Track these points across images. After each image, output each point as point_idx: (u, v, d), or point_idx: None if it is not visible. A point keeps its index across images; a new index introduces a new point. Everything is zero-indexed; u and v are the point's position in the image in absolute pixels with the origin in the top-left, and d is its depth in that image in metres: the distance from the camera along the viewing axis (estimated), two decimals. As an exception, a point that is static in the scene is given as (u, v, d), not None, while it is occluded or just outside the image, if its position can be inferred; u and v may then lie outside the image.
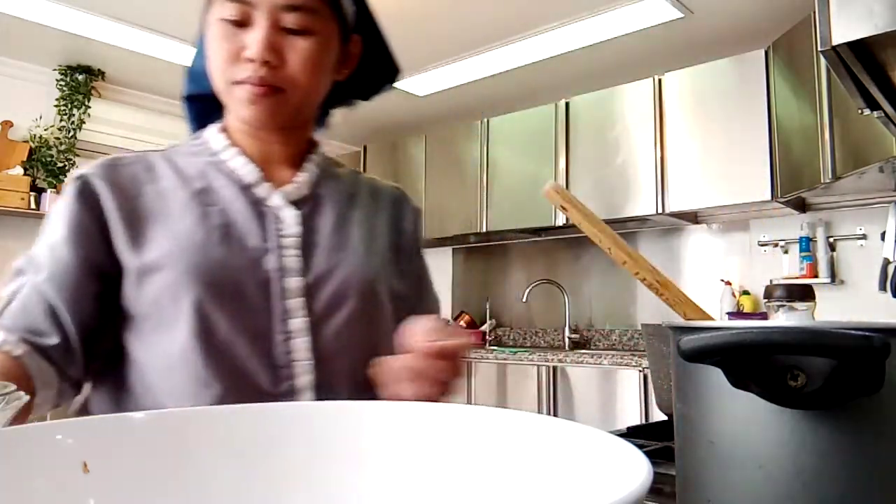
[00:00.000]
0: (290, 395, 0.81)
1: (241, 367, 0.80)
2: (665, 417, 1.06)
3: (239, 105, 0.83)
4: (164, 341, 0.80)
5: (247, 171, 0.88)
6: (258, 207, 0.86)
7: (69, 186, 0.84)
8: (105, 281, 0.82)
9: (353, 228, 0.92)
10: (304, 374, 0.82)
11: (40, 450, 0.37)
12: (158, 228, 0.82)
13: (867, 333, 0.37)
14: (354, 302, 0.87)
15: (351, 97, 1.05)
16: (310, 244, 0.87)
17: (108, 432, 0.40)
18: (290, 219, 0.87)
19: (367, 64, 0.97)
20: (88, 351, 0.81)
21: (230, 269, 0.81)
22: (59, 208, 0.84)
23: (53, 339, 0.78)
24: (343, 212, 0.93)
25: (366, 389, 0.88)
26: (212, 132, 0.92)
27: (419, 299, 1.01)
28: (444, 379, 0.76)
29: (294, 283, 0.83)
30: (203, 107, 0.97)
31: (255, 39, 0.80)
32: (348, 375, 0.86)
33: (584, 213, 0.68)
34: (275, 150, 0.91)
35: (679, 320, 0.61)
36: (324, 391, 0.83)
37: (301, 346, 0.82)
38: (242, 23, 0.81)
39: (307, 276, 0.85)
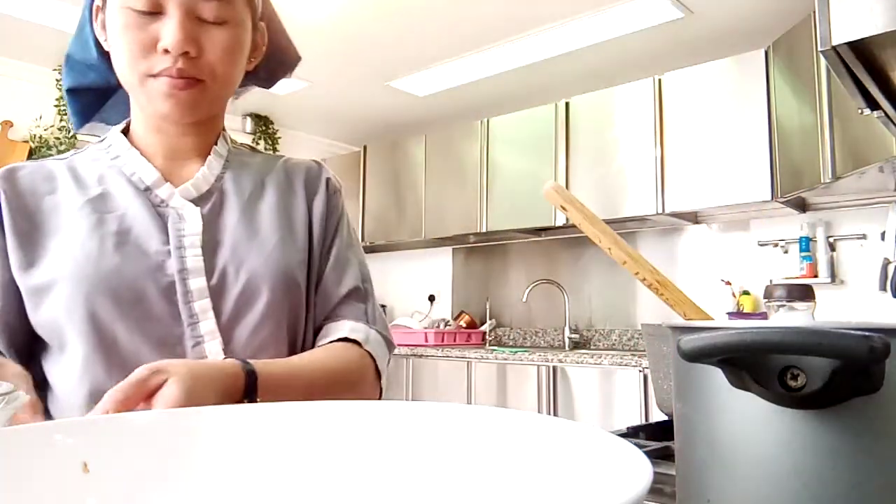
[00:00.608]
0: (195, 341, 0.78)
1: (148, 303, 0.77)
2: (665, 417, 1.06)
3: (156, 99, 0.79)
4: (66, 359, 0.77)
5: (146, 172, 0.84)
6: (159, 209, 0.82)
7: None
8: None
9: (262, 218, 0.88)
10: (215, 354, 0.79)
11: (40, 450, 0.37)
12: (50, 244, 0.79)
13: (867, 333, 0.37)
14: (267, 296, 0.83)
15: (252, 84, 1.00)
16: (213, 242, 0.83)
17: (108, 432, 0.40)
18: (191, 217, 0.83)
19: (270, 51, 0.94)
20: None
21: (127, 277, 0.77)
22: None
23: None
24: (250, 202, 0.89)
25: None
26: (114, 134, 0.88)
27: (335, 281, 0.93)
28: None
29: (198, 284, 0.80)
30: (86, 100, 0.93)
31: (170, 30, 0.75)
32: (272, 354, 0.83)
33: (584, 213, 0.68)
34: (184, 143, 0.87)
35: (679, 320, 0.61)
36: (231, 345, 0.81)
37: (213, 350, 0.79)
38: (152, 12, 0.76)
39: (212, 276, 0.81)
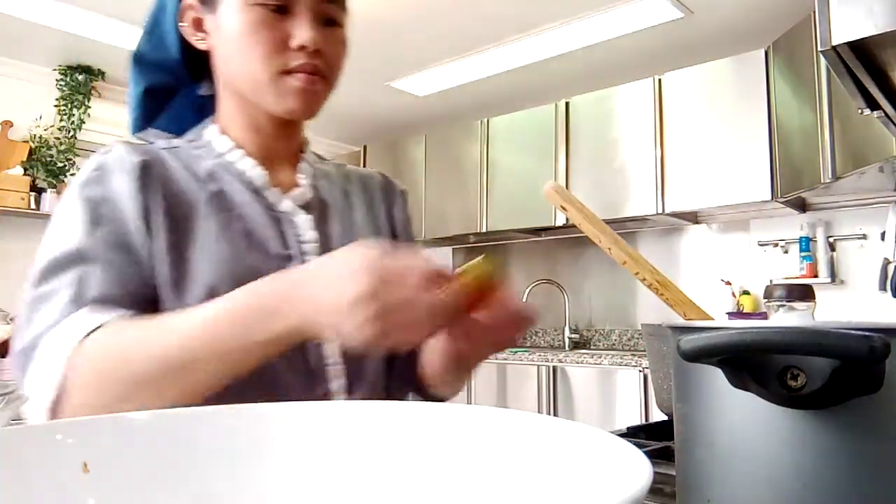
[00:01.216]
0: (324, 399, 0.80)
1: (278, 377, 0.78)
2: (665, 417, 1.06)
3: (287, 94, 0.80)
4: None
5: (255, 173, 0.85)
6: (272, 213, 0.84)
7: (116, 166, 0.78)
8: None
9: (357, 229, 0.92)
10: (336, 378, 0.81)
11: (40, 450, 0.37)
12: (187, 233, 0.78)
13: (867, 333, 0.37)
14: None
15: None
16: (324, 250, 0.85)
17: (108, 432, 0.40)
18: (304, 224, 0.85)
19: None
20: None
21: (259, 277, 0.79)
22: (100, 178, 0.77)
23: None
24: (346, 213, 0.92)
25: (393, 389, 0.88)
26: (212, 132, 0.88)
27: None
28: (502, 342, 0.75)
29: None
30: (153, 103, 0.92)
31: (305, 28, 0.78)
32: (376, 376, 0.86)
33: (584, 213, 0.68)
34: (276, 147, 0.88)
35: (679, 320, 0.61)
36: (355, 395, 0.82)
37: (332, 351, 0.81)
38: (284, 10, 0.79)
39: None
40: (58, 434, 0.38)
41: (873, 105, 1.23)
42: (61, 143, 3.88)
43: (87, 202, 0.76)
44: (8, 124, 3.77)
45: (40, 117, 3.86)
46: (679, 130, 3.35)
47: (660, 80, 3.43)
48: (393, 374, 0.91)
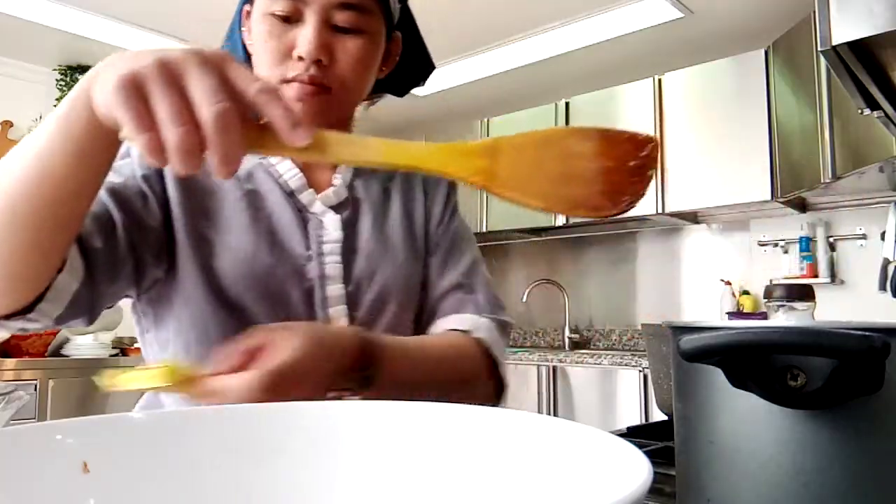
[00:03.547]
0: (335, 399, 0.80)
1: (283, 296, 0.80)
2: (665, 417, 1.06)
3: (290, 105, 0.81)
4: (186, 337, 0.79)
5: (292, 176, 0.86)
6: (302, 214, 0.85)
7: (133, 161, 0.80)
8: (150, 231, 0.77)
9: (391, 228, 0.91)
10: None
11: (40, 450, 0.37)
12: (211, 223, 0.81)
13: (867, 333, 0.37)
14: (395, 307, 0.86)
15: (385, 91, 1.02)
16: (350, 250, 0.86)
17: (108, 432, 0.40)
18: (332, 224, 0.86)
19: (404, 60, 0.96)
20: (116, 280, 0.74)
21: (277, 278, 0.80)
22: (126, 153, 0.79)
23: (96, 243, 0.70)
24: (380, 211, 0.92)
25: (411, 393, 0.87)
26: None
27: (438, 276, 0.94)
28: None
29: (335, 290, 0.83)
30: None
31: (305, 37, 0.78)
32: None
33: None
34: None
35: (679, 320, 0.61)
36: (370, 398, 0.82)
37: (334, 293, 0.82)
38: (291, 19, 0.79)
39: (348, 284, 0.84)
40: (58, 434, 0.38)
41: (873, 105, 1.23)
42: (61, 143, 3.88)
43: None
44: (8, 124, 3.77)
45: (40, 117, 3.86)
46: (679, 130, 3.35)
47: (660, 80, 3.43)
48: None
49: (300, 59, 0.78)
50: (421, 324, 0.92)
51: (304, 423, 0.45)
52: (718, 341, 0.41)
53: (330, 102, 0.81)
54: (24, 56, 3.80)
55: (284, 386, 0.60)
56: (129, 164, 0.79)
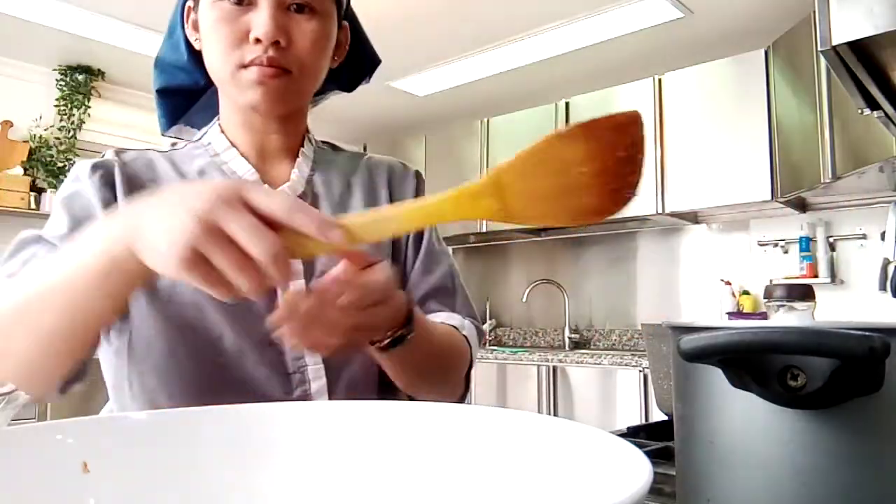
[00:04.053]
0: (303, 401, 0.79)
1: (251, 377, 0.78)
2: (665, 417, 1.06)
3: (246, 88, 0.80)
4: (165, 345, 0.78)
5: (245, 171, 0.86)
6: None
7: (83, 170, 0.81)
8: None
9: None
10: (315, 379, 0.80)
11: (40, 450, 0.37)
12: None
13: (867, 333, 0.37)
14: None
15: (334, 89, 1.01)
16: None
17: (108, 432, 0.40)
18: None
19: (352, 53, 0.95)
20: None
21: None
22: (74, 189, 0.81)
23: None
24: (340, 204, 0.90)
25: (379, 390, 0.87)
26: (213, 132, 0.90)
27: (421, 280, 0.94)
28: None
29: (297, 286, 0.81)
30: (175, 102, 0.94)
31: (261, 19, 0.77)
32: (361, 378, 0.85)
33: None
34: (272, 141, 0.88)
35: (679, 320, 0.61)
36: (336, 395, 0.82)
37: (311, 353, 0.80)
38: (244, 2, 0.78)
39: (310, 279, 0.82)
40: (58, 434, 0.38)
41: (873, 105, 1.23)
42: (61, 143, 3.88)
43: (62, 201, 0.81)
44: (8, 124, 3.77)
45: (40, 117, 3.86)
46: (679, 130, 3.35)
47: (660, 80, 3.43)
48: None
49: (257, 41, 0.77)
50: None
51: (303, 423, 0.45)
52: (718, 341, 0.41)
53: (289, 86, 0.80)
54: (24, 56, 3.80)
55: (381, 306, 0.64)
56: (83, 191, 0.80)
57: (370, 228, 0.54)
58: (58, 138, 3.88)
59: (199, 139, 0.91)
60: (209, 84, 0.91)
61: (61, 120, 3.91)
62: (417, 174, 1.01)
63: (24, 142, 3.79)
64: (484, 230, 4.09)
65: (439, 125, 4.73)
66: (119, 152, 0.85)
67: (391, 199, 0.95)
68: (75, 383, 0.72)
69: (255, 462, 0.42)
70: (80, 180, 0.81)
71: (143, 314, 0.78)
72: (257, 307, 0.79)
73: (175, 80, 0.93)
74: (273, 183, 0.87)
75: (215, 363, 0.77)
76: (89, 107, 3.99)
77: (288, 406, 0.47)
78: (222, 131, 0.89)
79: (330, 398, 0.81)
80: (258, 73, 0.78)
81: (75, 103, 3.93)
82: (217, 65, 0.81)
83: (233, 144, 0.88)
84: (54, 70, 3.92)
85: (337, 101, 1.02)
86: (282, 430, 0.44)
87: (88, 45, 3.63)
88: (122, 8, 3.23)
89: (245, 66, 0.79)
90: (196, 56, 0.88)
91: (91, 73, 3.97)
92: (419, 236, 0.96)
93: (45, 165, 3.82)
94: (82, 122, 3.97)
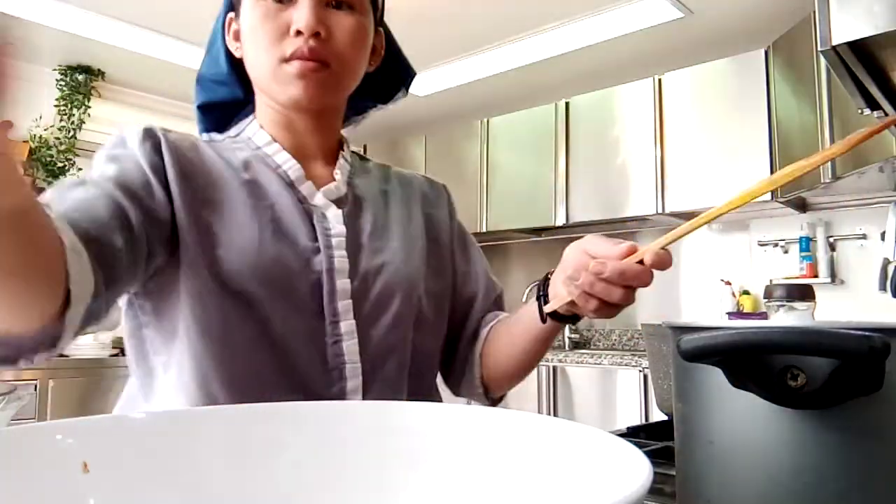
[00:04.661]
0: (339, 397, 0.79)
1: (297, 366, 0.78)
2: (665, 417, 1.06)
3: (288, 82, 0.81)
4: (222, 332, 0.76)
5: (290, 166, 0.86)
6: (303, 205, 0.84)
7: (132, 135, 0.79)
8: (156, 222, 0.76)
9: (391, 228, 0.91)
10: (352, 377, 0.80)
11: (40, 450, 0.37)
12: (214, 212, 0.79)
13: (867, 333, 0.37)
14: (398, 305, 0.85)
15: (371, 101, 1.04)
16: (354, 245, 0.85)
17: (108, 432, 0.40)
18: (335, 218, 0.85)
19: (386, 62, 0.96)
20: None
21: (283, 268, 0.79)
22: (121, 151, 0.78)
23: (118, 242, 0.68)
24: (380, 210, 0.92)
25: (411, 392, 0.88)
26: (252, 128, 0.90)
27: (486, 295, 1.00)
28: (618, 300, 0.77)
29: (343, 284, 0.82)
30: (215, 116, 0.96)
31: (302, 13, 0.79)
32: (394, 378, 0.85)
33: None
34: (309, 142, 0.89)
35: (679, 320, 0.61)
36: (371, 394, 0.82)
37: (350, 349, 0.81)
38: (285, 0, 0.81)
39: (354, 279, 0.83)
40: (58, 434, 0.38)
41: (873, 105, 1.23)
42: (61, 143, 3.88)
43: (107, 154, 0.79)
44: (8, 124, 3.76)
45: (40, 117, 3.86)
46: (679, 130, 3.35)
47: (660, 80, 3.43)
48: (421, 374, 0.90)
49: (298, 33, 0.79)
50: (423, 330, 0.91)
51: (304, 423, 0.45)
52: (718, 341, 0.41)
53: (329, 79, 0.82)
54: (24, 56, 3.80)
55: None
56: (130, 154, 0.78)
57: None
58: (58, 138, 3.88)
59: (237, 135, 0.91)
60: (248, 99, 0.93)
61: (61, 120, 3.91)
62: (445, 189, 1.06)
63: (24, 142, 3.79)
64: (484, 230, 4.09)
65: (439, 125, 4.73)
66: (164, 130, 0.84)
67: (423, 212, 0.98)
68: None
69: (255, 462, 0.42)
70: (127, 146, 0.79)
71: (203, 301, 0.76)
72: (301, 289, 0.80)
73: (215, 96, 0.94)
74: (316, 182, 0.88)
75: (268, 353, 0.77)
76: (89, 107, 3.99)
77: (287, 406, 0.47)
78: (261, 127, 0.90)
79: (364, 397, 0.81)
80: (299, 66, 0.80)
81: (75, 103, 3.93)
82: (259, 61, 0.83)
83: (274, 140, 0.89)
84: (54, 70, 3.92)
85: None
86: (282, 429, 0.44)
87: (88, 45, 3.63)
88: (123, 8, 3.23)
89: (287, 61, 0.80)
90: (236, 69, 0.90)
91: (91, 73, 3.97)
92: (456, 229, 1.02)
93: (45, 165, 3.82)
94: (82, 122, 3.97)
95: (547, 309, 0.82)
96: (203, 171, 0.82)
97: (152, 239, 0.75)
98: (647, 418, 2.98)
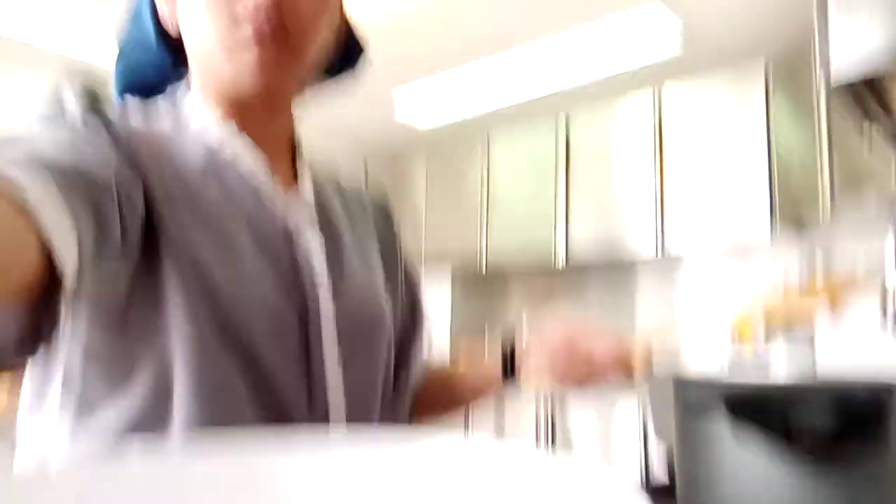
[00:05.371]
0: (322, 423, 0.73)
1: (282, 394, 0.70)
2: (664, 444, 1.05)
3: (241, 50, 0.68)
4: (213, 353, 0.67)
5: (257, 170, 0.75)
6: (278, 221, 0.75)
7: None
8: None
9: (364, 246, 0.86)
10: (337, 407, 0.74)
11: (35, 500, 0.36)
12: (176, 217, 0.66)
13: (871, 387, 0.36)
14: (374, 331, 0.80)
15: (321, 75, 0.86)
16: (334, 267, 0.77)
17: (103, 484, 0.40)
18: (310, 234, 0.77)
19: (343, 31, 0.84)
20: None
21: (265, 289, 0.70)
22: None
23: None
24: (347, 229, 0.84)
25: (386, 421, 0.84)
26: (200, 112, 0.76)
27: (413, 327, 0.93)
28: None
29: (326, 304, 0.74)
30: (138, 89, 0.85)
31: None
32: (372, 407, 0.80)
33: None
34: (263, 134, 0.78)
35: (680, 372, 0.61)
36: (355, 423, 0.76)
37: (334, 382, 0.74)
38: None
39: (337, 303, 0.75)
40: (54, 483, 0.37)
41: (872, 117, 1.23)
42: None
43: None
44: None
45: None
46: (679, 152, 3.41)
47: (660, 96, 3.49)
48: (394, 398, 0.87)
49: (253, 6, 0.67)
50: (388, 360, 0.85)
51: (294, 454, 0.45)
52: (720, 396, 0.40)
53: (287, 47, 0.69)
54: (25, 79, 3.81)
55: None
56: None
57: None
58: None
59: (178, 118, 0.77)
60: (177, 71, 0.79)
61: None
62: (389, 205, 0.97)
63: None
64: (484, 262, 4.12)
65: (440, 142, 4.73)
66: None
67: (383, 245, 0.90)
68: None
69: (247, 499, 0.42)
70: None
71: (200, 329, 0.65)
72: (286, 328, 0.71)
73: (138, 65, 0.83)
74: (282, 189, 0.78)
75: (256, 376, 0.69)
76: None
77: (285, 452, 0.46)
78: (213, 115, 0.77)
79: (348, 423, 0.75)
80: (254, 31, 0.67)
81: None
82: (207, 31, 0.69)
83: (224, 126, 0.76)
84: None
85: (337, 114, 0.99)
86: (275, 458, 0.44)
87: (90, 70, 3.65)
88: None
89: (237, 25, 0.68)
90: (167, 40, 0.77)
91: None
92: (412, 282, 0.95)
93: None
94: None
95: (521, 389, 0.83)
96: (170, 173, 0.69)
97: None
98: (645, 443, 2.96)
